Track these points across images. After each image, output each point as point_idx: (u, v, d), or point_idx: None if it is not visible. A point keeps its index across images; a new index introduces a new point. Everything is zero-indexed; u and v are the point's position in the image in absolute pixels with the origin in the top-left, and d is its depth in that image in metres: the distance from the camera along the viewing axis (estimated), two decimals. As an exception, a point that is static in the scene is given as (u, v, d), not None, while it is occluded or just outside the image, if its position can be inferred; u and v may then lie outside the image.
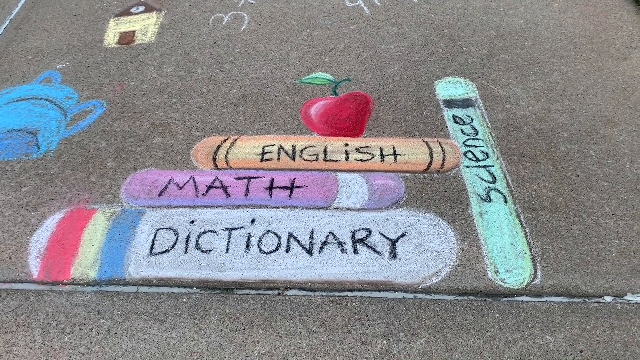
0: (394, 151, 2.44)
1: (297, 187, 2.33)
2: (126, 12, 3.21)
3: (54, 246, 2.12)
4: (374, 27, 3.11)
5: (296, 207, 2.24)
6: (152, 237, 2.14)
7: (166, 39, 3.03)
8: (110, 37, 3.05)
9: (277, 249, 2.11)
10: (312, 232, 2.15)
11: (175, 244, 2.13)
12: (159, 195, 2.30)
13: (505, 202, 2.22)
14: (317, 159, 2.43)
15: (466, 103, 2.65)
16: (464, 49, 2.94)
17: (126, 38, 3.04)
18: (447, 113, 2.60)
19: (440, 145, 2.45)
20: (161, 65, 2.88)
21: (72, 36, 3.07)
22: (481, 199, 2.24)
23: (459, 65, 2.85)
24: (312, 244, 2.12)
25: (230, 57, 2.94)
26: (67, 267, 2.06)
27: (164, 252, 2.10)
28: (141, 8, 3.23)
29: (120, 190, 2.30)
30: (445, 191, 2.25)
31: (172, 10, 3.22)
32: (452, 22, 3.10)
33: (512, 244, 2.08)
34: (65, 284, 2.01)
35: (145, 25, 3.11)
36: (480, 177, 2.32)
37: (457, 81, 2.76)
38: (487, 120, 2.56)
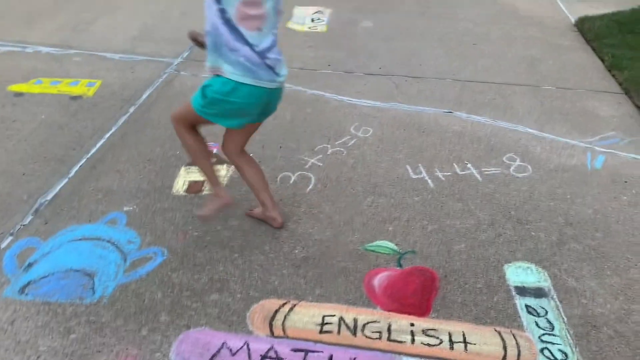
0: (464, 338, 2.27)
1: (358, 367, 2.15)
2: (197, 162, 3.31)
3: (92, 407, 1.95)
4: (439, 200, 3.10)
5: (356, 392, 2.04)
6: (199, 410, 1.95)
7: (234, 192, 3.07)
8: (180, 185, 3.12)
9: None
10: None
11: (222, 421, 1.93)
12: (211, 359, 2.15)
13: (592, 415, 1.98)
14: (380, 337, 2.27)
15: (539, 292, 2.52)
16: (533, 233, 2.87)
17: (195, 187, 3.10)
18: (520, 302, 2.46)
19: (515, 337, 2.28)
20: (226, 218, 2.88)
21: (142, 180, 3.15)
22: (564, 407, 2.01)
23: (528, 250, 2.76)
24: None
25: (295, 216, 2.93)
26: None
27: None
28: (213, 160, 3.32)
29: (170, 350, 2.16)
30: (523, 393, 2.04)
31: (242, 165, 3.32)
32: (518, 205, 3.08)
33: None
34: None
35: (214, 177, 3.18)
36: (560, 381, 2.11)
37: (528, 267, 2.66)
38: (562, 314, 2.40)
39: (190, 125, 2.51)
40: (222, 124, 2.47)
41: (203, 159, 2.64)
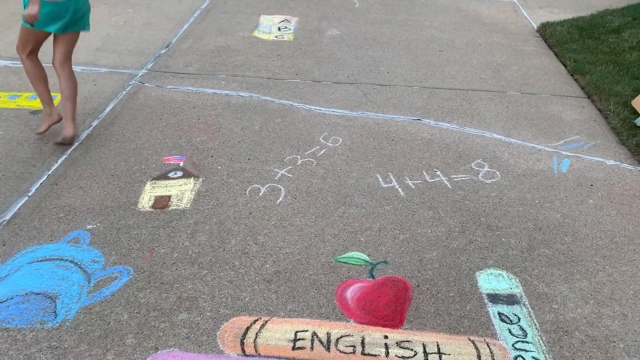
0: (438, 349, 2.25)
1: (332, 384, 2.11)
2: (164, 177, 3.23)
3: None
4: (410, 209, 3.09)
5: (331, 410, 2.00)
6: None
7: (202, 206, 3.00)
8: (145, 201, 3.03)
9: None
10: None
11: None
12: (180, 383, 2.08)
13: (567, 422, 1.98)
14: (354, 352, 2.23)
15: (511, 299, 2.52)
16: (503, 239, 2.89)
17: (161, 202, 3.02)
18: (492, 309, 2.46)
19: (488, 346, 2.27)
20: (194, 234, 2.81)
21: (106, 196, 3.05)
22: (539, 416, 2.00)
23: (499, 256, 2.77)
24: None
25: (265, 229, 2.88)
26: None
27: None
28: (179, 173, 3.26)
29: (138, 374, 2.09)
30: (499, 403, 2.02)
31: (210, 178, 3.25)
32: (488, 211, 3.09)
33: None
34: None
35: (181, 191, 3.11)
36: (535, 389, 2.10)
37: (500, 274, 2.66)
38: (535, 320, 2.40)
39: (30, 49, 3.32)
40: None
41: (38, 81, 3.40)
